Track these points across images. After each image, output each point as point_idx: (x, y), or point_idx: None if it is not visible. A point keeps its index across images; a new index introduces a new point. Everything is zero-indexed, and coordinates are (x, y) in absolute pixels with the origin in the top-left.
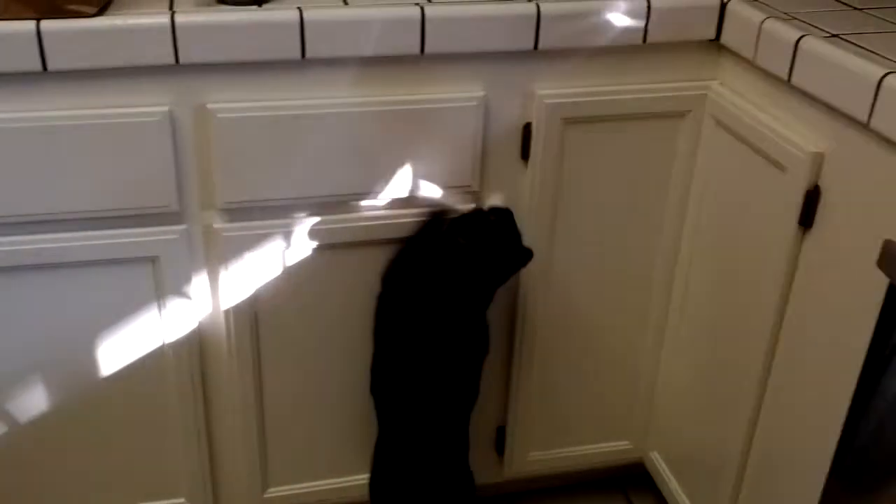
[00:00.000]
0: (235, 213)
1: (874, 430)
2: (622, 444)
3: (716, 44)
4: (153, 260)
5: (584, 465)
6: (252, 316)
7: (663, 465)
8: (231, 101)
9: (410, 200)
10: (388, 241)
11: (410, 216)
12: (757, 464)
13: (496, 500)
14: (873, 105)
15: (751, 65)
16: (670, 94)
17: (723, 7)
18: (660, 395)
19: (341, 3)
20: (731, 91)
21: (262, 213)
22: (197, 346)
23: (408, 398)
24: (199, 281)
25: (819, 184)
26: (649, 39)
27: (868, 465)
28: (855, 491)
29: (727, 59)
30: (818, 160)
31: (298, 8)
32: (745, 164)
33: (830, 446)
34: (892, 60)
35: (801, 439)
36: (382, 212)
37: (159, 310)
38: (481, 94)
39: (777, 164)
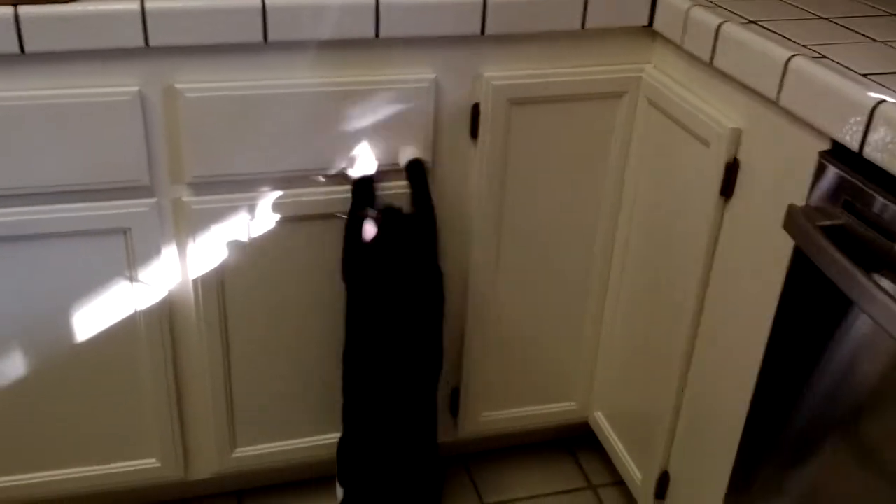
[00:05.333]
0: (203, 186)
1: (782, 393)
2: (568, 405)
3: (649, 29)
4: (125, 231)
5: (532, 426)
6: (219, 284)
7: (606, 424)
8: (198, 82)
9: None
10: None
11: None
12: (686, 419)
13: (451, 460)
14: (781, 84)
15: (679, 48)
16: (608, 76)
17: None
18: (602, 358)
19: None
20: (663, 73)
21: (228, 187)
22: (167, 312)
23: (374, 363)
24: (169, 251)
25: (738, 157)
26: (588, 25)
27: (778, 421)
28: (768, 444)
29: (659, 43)
30: (736, 135)
31: None
32: (674, 139)
33: (746, 400)
34: (799, 44)
35: (723, 394)
36: (341, 186)
37: (131, 279)
38: (432, 76)
39: (701, 140)
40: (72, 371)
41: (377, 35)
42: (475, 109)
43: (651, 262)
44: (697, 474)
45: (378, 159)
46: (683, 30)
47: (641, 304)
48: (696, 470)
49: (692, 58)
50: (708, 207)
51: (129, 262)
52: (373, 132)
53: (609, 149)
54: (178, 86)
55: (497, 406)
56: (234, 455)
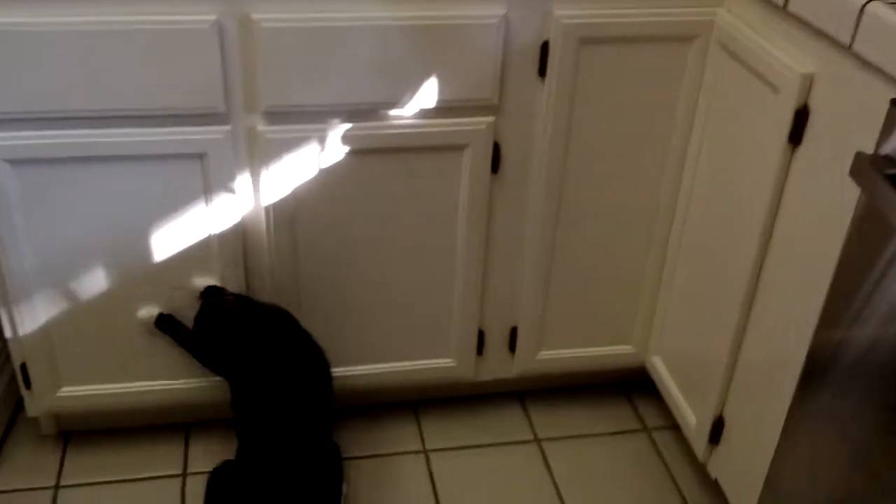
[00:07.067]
0: (276, 116)
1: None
2: (626, 349)
3: None
4: (201, 157)
5: (589, 367)
6: (290, 214)
7: (663, 368)
8: (274, 13)
9: (434, 111)
10: (414, 149)
11: (433, 126)
12: (744, 365)
13: (505, 396)
14: (856, 30)
15: None
16: (680, 18)
17: None
18: (661, 304)
19: None
20: (736, 17)
21: (300, 118)
22: (240, 238)
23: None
24: (243, 178)
25: (808, 103)
26: None
27: (836, 369)
28: (821, 392)
29: None
30: (807, 81)
31: None
32: (743, 85)
33: (805, 347)
34: None
35: (782, 340)
36: (409, 121)
37: (206, 203)
38: (502, 12)
39: (771, 86)
40: (141, 291)
41: None
42: (544, 48)
43: (716, 208)
44: (752, 420)
45: (444, 95)
46: None
47: (703, 249)
48: (752, 416)
49: (766, 2)
50: (775, 154)
51: (205, 187)
52: (441, 68)
53: (678, 93)
54: (255, 16)
55: (555, 346)
56: None
